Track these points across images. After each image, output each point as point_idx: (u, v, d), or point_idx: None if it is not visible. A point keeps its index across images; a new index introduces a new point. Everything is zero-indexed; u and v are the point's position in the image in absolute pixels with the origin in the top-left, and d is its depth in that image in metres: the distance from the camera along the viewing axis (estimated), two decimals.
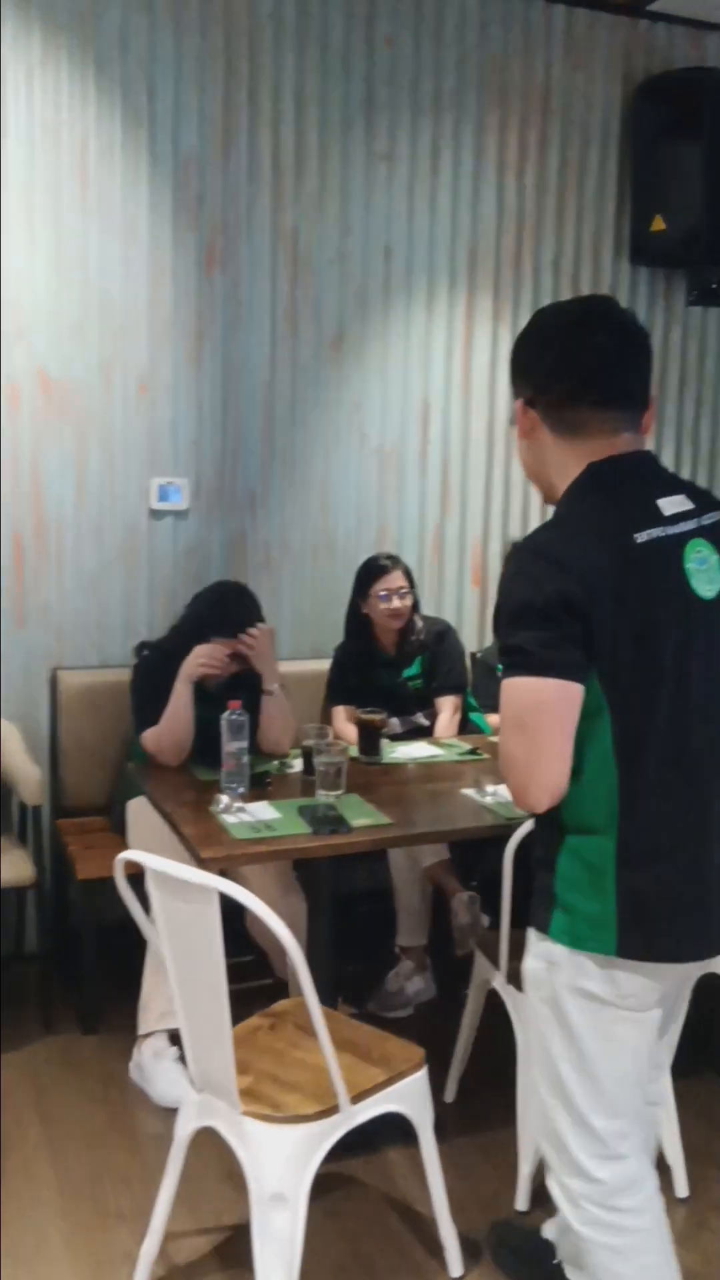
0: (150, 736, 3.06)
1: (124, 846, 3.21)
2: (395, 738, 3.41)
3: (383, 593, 3.50)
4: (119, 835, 3.33)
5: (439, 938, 3.40)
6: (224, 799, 2.66)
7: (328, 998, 2.50)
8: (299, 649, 3.87)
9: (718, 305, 4.32)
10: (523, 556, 1.68)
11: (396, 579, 3.51)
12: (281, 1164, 2.05)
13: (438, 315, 3.96)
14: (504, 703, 1.65)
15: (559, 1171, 1.81)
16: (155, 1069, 2.93)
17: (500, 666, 1.69)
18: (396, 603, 3.50)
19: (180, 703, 3.03)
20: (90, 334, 3.53)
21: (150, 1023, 2.96)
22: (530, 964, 1.78)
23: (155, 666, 3.20)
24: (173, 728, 3.02)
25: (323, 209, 3.76)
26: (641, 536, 1.64)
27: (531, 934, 1.78)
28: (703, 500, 1.75)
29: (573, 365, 1.72)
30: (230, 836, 2.48)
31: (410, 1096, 2.22)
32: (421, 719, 3.56)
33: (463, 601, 4.15)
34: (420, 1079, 2.23)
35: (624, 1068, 1.75)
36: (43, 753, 3.61)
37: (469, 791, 2.82)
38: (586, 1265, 1.81)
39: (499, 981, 2.63)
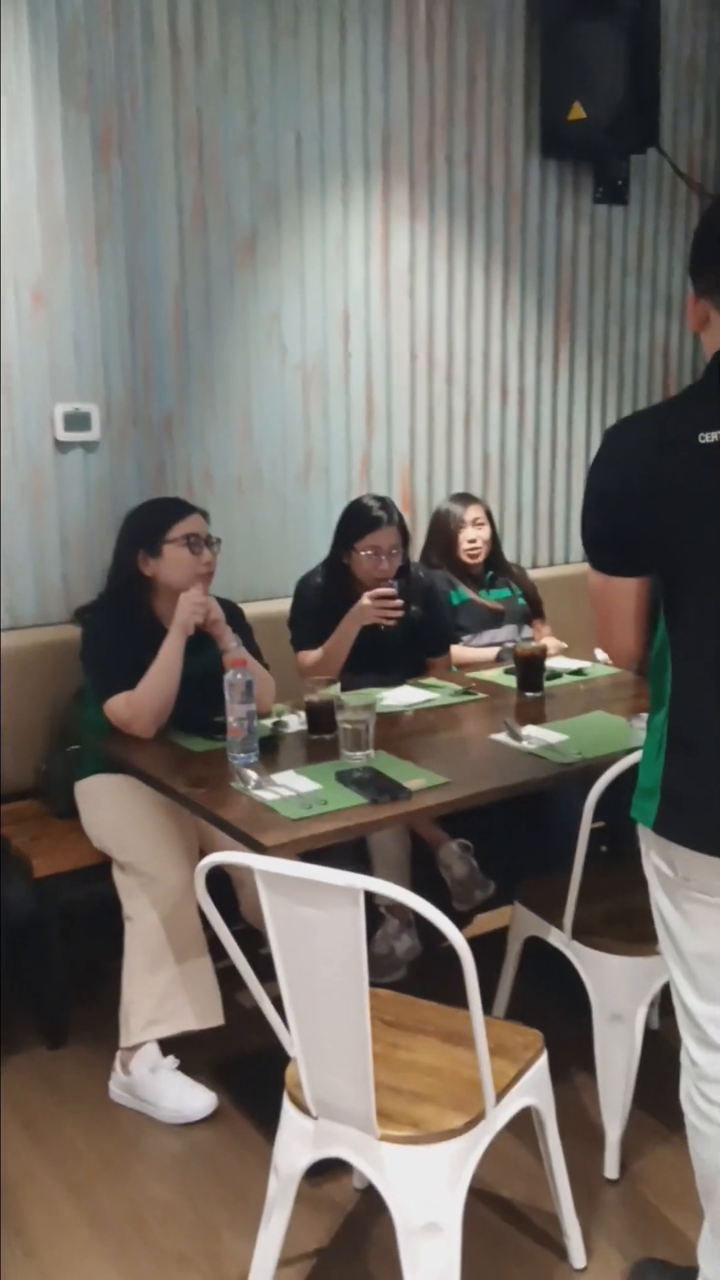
0: (122, 705, 2.64)
1: (78, 834, 2.81)
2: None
3: (369, 550, 3.05)
4: (66, 820, 2.89)
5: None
6: (252, 774, 2.30)
7: None
8: (229, 591, 3.47)
9: (623, 203, 4.15)
10: (603, 442, 1.70)
11: (388, 536, 3.06)
12: (432, 1189, 1.78)
13: (354, 211, 3.58)
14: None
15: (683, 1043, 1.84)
16: (158, 1083, 2.57)
17: None
18: (385, 564, 3.06)
19: (173, 660, 2.62)
20: None
21: (136, 1033, 2.59)
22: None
23: (106, 625, 2.77)
24: (159, 690, 2.62)
25: (226, 89, 3.29)
26: (708, 436, 1.58)
27: None
28: None
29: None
30: (282, 817, 2.14)
31: (538, 1086, 1.98)
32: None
33: None
34: (543, 1065, 1.99)
35: (706, 949, 1.73)
36: None
37: (501, 738, 2.57)
38: (690, 1149, 1.84)
39: (558, 937, 2.42)
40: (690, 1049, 1.79)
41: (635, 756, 2.15)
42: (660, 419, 1.66)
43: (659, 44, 3.81)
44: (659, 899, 1.79)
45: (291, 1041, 1.83)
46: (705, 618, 1.64)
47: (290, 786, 2.27)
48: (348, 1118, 1.80)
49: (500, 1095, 1.86)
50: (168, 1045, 2.59)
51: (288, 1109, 1.91)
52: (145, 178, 3.20)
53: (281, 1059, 1.91)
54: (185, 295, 3.32)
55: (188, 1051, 2.62)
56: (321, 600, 3.13)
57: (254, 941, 2.68)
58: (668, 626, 1.68)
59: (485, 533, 3.55)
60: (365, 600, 2.98)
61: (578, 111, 3.73)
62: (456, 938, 1.63)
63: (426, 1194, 1.78)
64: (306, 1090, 1.83)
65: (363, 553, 3.06)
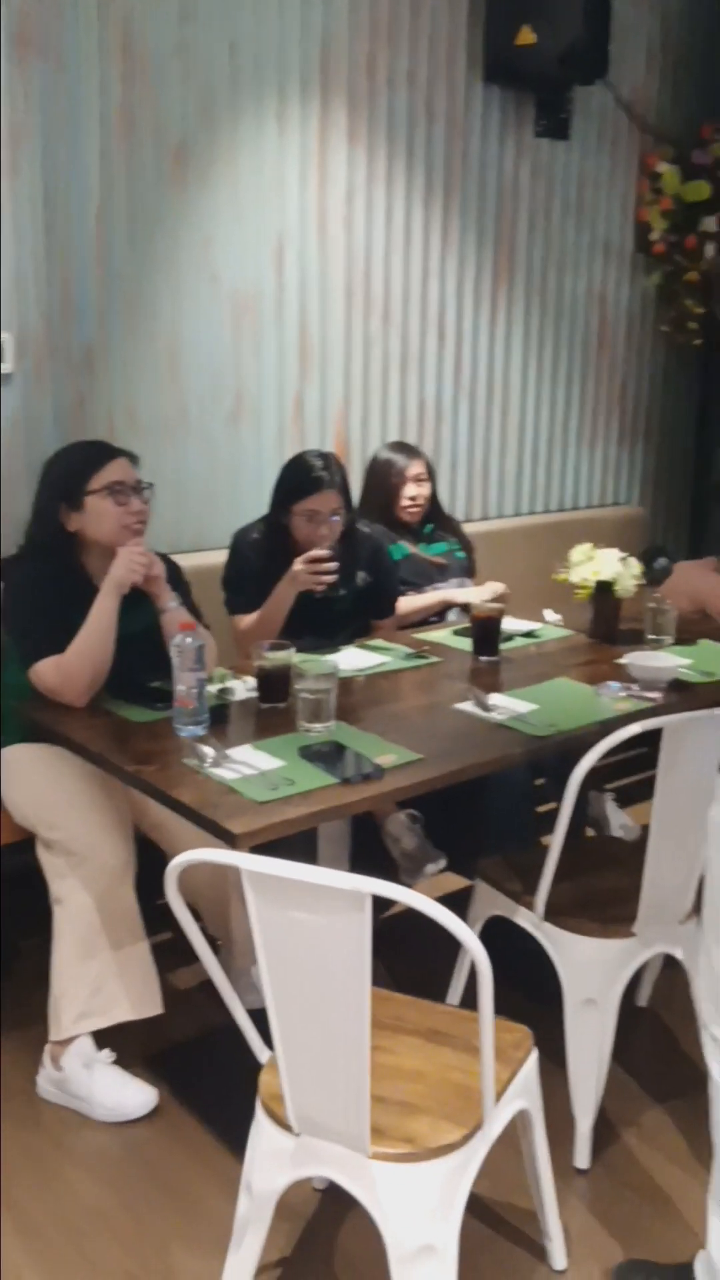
0: (50, 670, 2.38)
1: None
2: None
3: (307, 514, 2.80)
4: None
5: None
6: (207, 750, 2.08)
7: None
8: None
9: (565, 139, 3.95)
10: None
11: (329, 499, 2.80)
12: (428, 1209, 1.63)
13: (290, 129, 3.31)
14: None
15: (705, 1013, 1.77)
16: (93, 1079, 2.36)
17: None
18: (324, 530, 2.81)
19: (106, 621, 2.37)
20: None
21: (67, 1026, 2.36)
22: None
23: (30, 580, 2.50)
24: (92, 654, 2.36)
25: None
26: None
27: None
28: None
29: None
30: (247, 799, 1.93)
31: (529, 1088, 1.85)
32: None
33: None
34: (533, 1065, 1.86)
35: None
36: None
37: (467, 707, 2.40)
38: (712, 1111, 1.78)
39: (527, 918, 2.29)
40: None
41: (623, 734, 2.03)
42: None
43: None
44: None
45: (273, 1052, 1.65)
46: None
47: (250, 763, 2.07)
48: (335, 1135, 1.63)
49: (495, 1102, 1.72)
50: (101, 1037, 2.39)
51: (263, 1124, 1.73)
52: (67, 78, 2.86)
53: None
54: (109, 214, 3.00)
55: (121, 1042, 2.42)
56: (260, 560, 2.87)
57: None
58: None
59: (427, 489, 3.36)
60: (298, 565, 2.74)
61: (527, 36, 3.50)
62: (473, 943, 1.47)
63: (422, 1214, 1.63)
64: (289, 1105, 1.65)
65: (300, 518, 2.80)
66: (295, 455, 2.92)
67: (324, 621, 2.90)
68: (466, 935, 1.46)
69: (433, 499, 3.42)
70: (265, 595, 2.82)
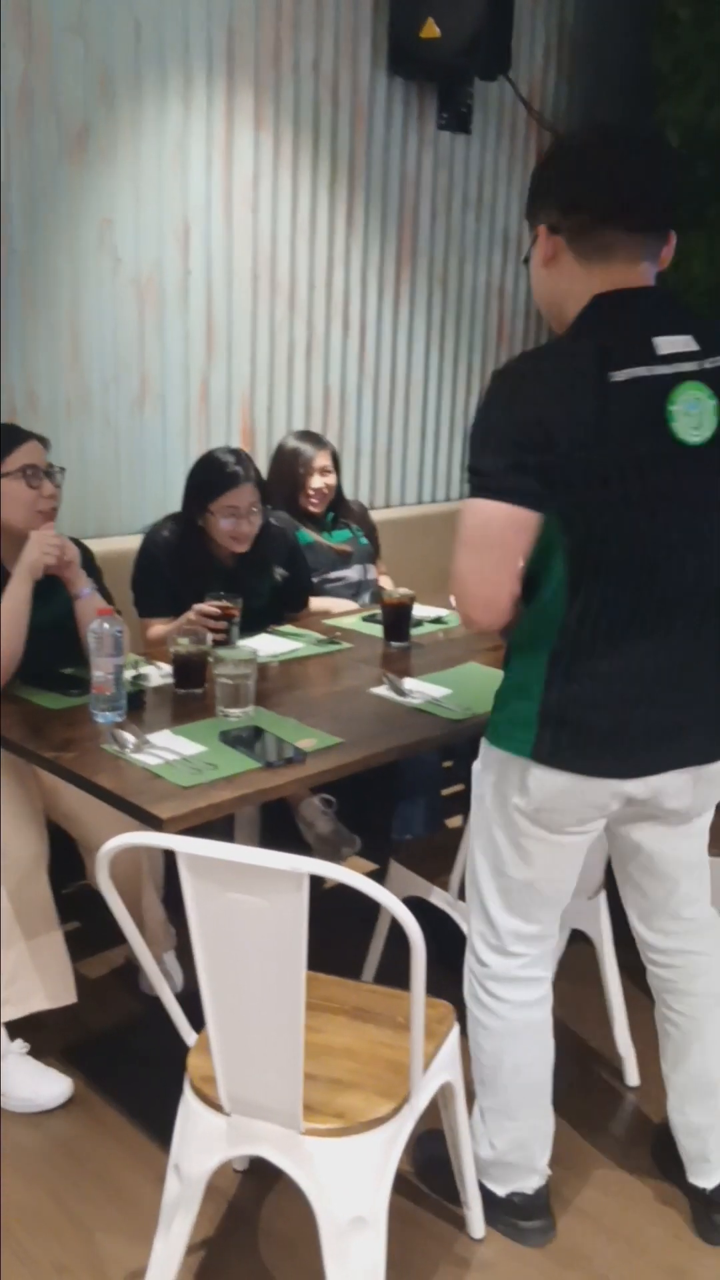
0: None
1: None
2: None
3: (228, 512, 2.76)
4: None
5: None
6: (128, 736, 2.07)
7: None
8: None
9: (467, 132, 4.01)
10: (499, 381, 1.66)
11: (246, 494, 2.76)
12: (360, 1182, 1.66)
13: (196, 112, 3.28)
14: (460, 523, 1.68)
15: (469, 943, 1.97)
16: (8, 1071, 2.33)
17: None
18: (245, 526, 2.78)
19: (19, 607, 2.33)
20: None
21: None
22: (475, 765, 1.90)
23: None
24: (7, 639, 2.31)
25: None
26: (620, 375, 1.59)
27: (482, 743, 1.87)
28: (712, 342, 1.66)
29: (607, 183, 1.65)
30: (172, 785, 1.93)
31: (452, 1061, 1.89)
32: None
33: None
34: (455, 1038, 1.90)
35: (532, 876, 1.85)
36: None
37: (383, 692, 2.43)
38: (471, 1040, 1.98)
39: (442, 897, 2.34)
40: (480, 951, 1.94)
41: None
42: (568, 358, 1.64)
43: None
44: (494, 830, 1.84)
45: (200, 1034, 1.66)
46: (615, 561, 1.65)
47: (172, 749, 2.06)
48: (268, 1113, 1.64)
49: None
50: (14, 1029, 2.36)
51: (192, 1104, 1.73)
52: None
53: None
54: (8, 191, 2.94)
55: (33, 1033, 2.39)
56: (172, 561, 2.82)
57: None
58: (569, 563, 1.66)
59: (332, 480, 3.38)
60: (191, 614, 2.65)
61: (431, 29, 3.54)
62: (408, 919, 1.50)
63: (354, 1188, 1.66)
64: (221, 1085, 1.66)
65: (220, 516, 2.76)
66: (205, 454, 2.89)
67: (242, 618, 2.89)
68: (402, 913, 1.49)
69: (337, 489, 3.44)
70: (176, 598, 2.78)
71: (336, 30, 3.57)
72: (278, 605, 3.02)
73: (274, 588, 2.97)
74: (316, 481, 3.34)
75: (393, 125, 3.81)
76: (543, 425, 1.58)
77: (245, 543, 2.79)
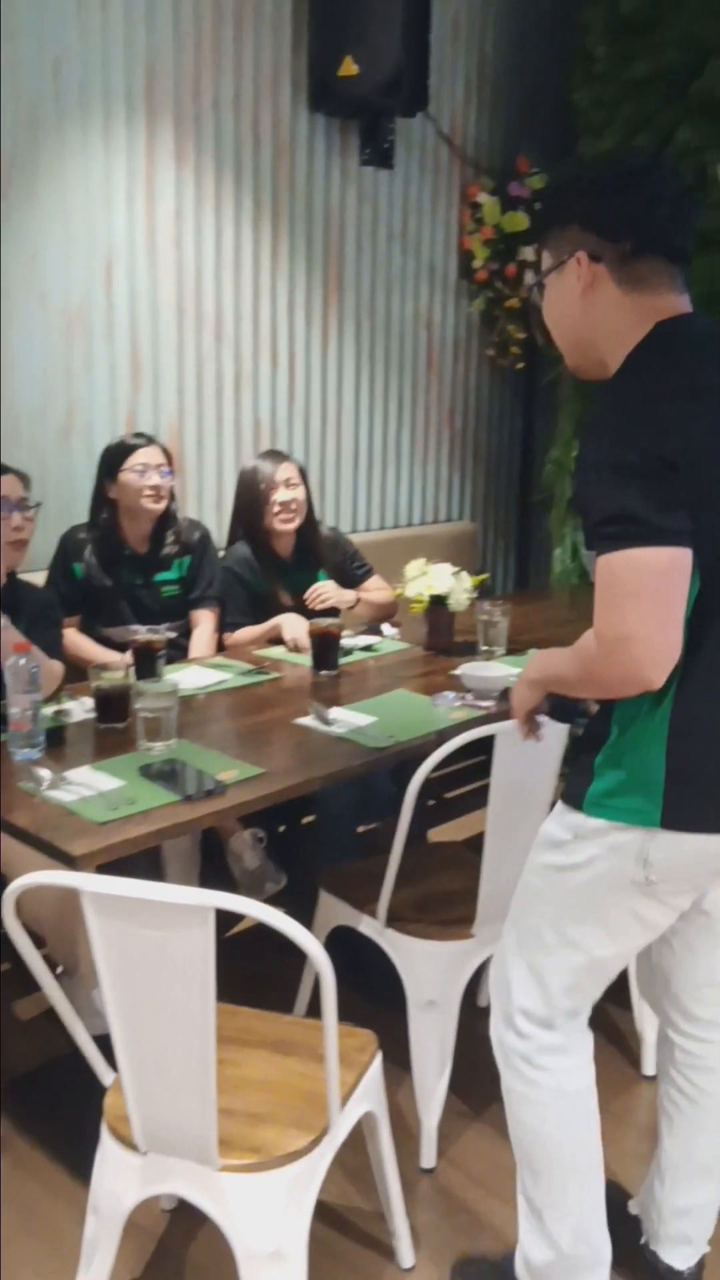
0: None
1: None
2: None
3: (139, 467, 2.98)
4: None
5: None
6: (44, 772, 2.06)
7: None
8: None
9: (390, 167, 4.06)
10: (609, 417, 1.51)
11: (154, 454, 3.03)
12: (276, 1215, 1.65)
13: (116, 150, 3.30)
14: (613, 577, 1.47)
15: (496, 1020, 1.81)
16: None
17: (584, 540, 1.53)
18: (156, 479, 3.00)
19: None
20: None
21: None
22: (552, 829, 1.71)
23: None
24: None
25: None
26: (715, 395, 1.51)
27: (559, 806, 1.71)
28: None
29: (652, 210, 1.58)
30: (86, 821, 1.92)
31: (374, 1090, 1.89)
32: (168, 633, 2.88)
33: None
34: (378, 1067, 1.90)
35: (609, 955, 1.71)
36: None
37: (308, 721, 2.44)
38: (513, 1122, 1.81)
39: (370, 925, 2.34)
40: (520, 1026, 1.76)
41: (461, 740, 2.08)
42: (678, 379, 1.52)
43: (429, 3, 3.74)
44: (579, 907, 1.68)
45: (114, 1073, 1.65)
46: None
47: (89, 784, 2.06)
48: (183, 1150, 1.64)
49: (341, 1106, 1.75)
50: None
51: (109, 1144, 1.72)
52: None
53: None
54: None
55: None
56: (77, 547, 3.08)
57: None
58: (697, 605, 1.52)
59: (300, 494, 3.22)
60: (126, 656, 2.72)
61: (349, 67, 3.59)
62: (315, 949, 1.51)
63: (270, 1221, 1.65)
64: (135, 1124, 1.65)
65: (131, 470, 2.99)
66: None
67: (147, 616, 3.06)
68: (309, 942, 1.49)
69: (308, 513, 3.27)
70: (92, 598, 3.02)
71: (256, 68, 3.62)
72: (185, 603, 3.19)
73: (186, 570, 3.16)
74: (283, 495, 3.18)
75: (315, 160, 3.86)
76: (678, 452, 1.45)
77: (161, 500, 3.02)
